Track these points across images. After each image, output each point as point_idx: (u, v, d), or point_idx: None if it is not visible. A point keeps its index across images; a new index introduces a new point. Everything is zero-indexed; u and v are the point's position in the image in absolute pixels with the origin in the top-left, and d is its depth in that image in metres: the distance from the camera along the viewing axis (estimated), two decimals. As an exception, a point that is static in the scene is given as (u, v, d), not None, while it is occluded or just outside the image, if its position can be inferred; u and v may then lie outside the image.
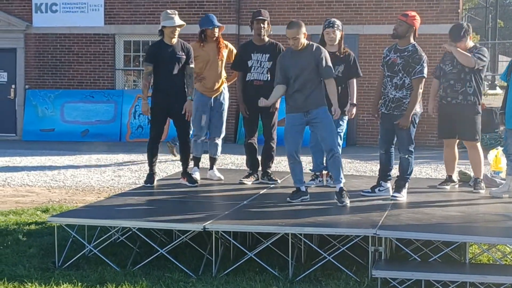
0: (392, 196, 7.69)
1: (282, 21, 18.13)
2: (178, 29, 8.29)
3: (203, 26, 8.81)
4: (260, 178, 8.67)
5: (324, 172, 8.55)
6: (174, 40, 8.30)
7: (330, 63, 7.50)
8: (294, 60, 7.49)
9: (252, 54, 8.44)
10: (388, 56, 7.79)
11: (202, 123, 8.85)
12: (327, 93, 7.56)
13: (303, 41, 7.45)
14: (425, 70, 7.62)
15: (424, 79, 7.62)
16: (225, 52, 8.86)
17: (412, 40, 7.70)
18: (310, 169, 8.69)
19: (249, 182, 8.56)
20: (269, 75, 8.38)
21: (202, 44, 8.77)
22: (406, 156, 7.75)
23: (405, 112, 7.63)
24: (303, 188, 7.51)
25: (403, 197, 7.69)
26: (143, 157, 14.06)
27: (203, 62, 8.70)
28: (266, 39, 8.51)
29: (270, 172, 8.69)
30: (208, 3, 18.59)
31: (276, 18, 18.22)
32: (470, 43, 8.31)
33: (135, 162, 14.07)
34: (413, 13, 7.75)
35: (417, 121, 7.81)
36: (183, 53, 8.31)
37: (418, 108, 7.76)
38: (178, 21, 8.28)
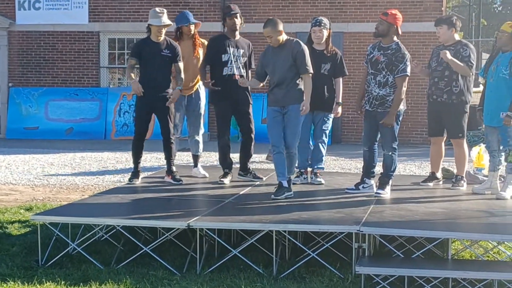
0: (376, 193, 7.73)
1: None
2: (164, 28, 8.29)
3: (179, 23, 8.79)
4: (242, 174, 8.63)
5: (309, 169, 8.58)
6: (161, 38, 8.30)
7: (307, 59, 7.61)
8: (273, 57, 7.68)
9: (228, 48, 8.38)
10: (372, 54, 7.82)
11: (176, 121, 8.84)
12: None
13: (281, 37, 7.59)
14: (409, 69, 7.65)
15: (407, 77, 7.66)
16: (201, 50, 8.82)
17: (395, 38, 7.73)
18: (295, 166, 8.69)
19: (228, 181, 8.49)
20: (244, 70, 8.48)
21: (177, 42, 8.75)
22: (390, 153, 7.79)
23: (388, 109, 7.66)
24: (285, 184, 7.54)
25: (386, 193, 7.73)
26: (128, 155, 14.04)
27: None
28: (238, 36, 8.52)
29: (251, 169, 8.66)
30: (193, 1, 18.55)
31: (261, 16, 18.24)
32: (455, 37, 8.34)
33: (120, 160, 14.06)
34: (394, 11, 7.78)
35: (400, 119, 7.85)
36: (168, 51, 8.30)
37: (401, 106, 7.79)
38: (165, 20, 8.25)
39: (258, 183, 8.49)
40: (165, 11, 8.35)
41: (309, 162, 8.55)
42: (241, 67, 8.45)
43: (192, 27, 8.78)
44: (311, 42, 8.29)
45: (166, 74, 8.36)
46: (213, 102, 8.58)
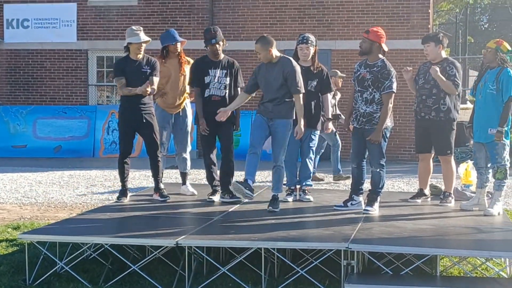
0: (364, 210, 7.74)
1: (256, 36, 18.08)
2: (143, 45, 8.30)
3: (165, 42, 8.78)
4: (220, 196, 8.45)
5: (298, 186, 8.59)
6: (140, 56, 8.31)
7: (299, 79, 7.71)
8: (266, 73, 7.82)
9: (210, 70, 8.35)
10: (359, 71, 7.87)
11: (163, 139, 8.85)
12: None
13: (272, 55, 7.73)
14: (394, 85, 7.70)
15: (393, 94, 7.70)
16: (187, 68, 8.82)
17: (380, 56, 7.78)
18: (284, 184, 8.69)
19: (216, 198, 8.44)
20: (226, 91, 8.38)
21: (163, 60, 8.77)
22: (378, 170, 7.82)
23: (376, 126, 7.70)
24: (250, 182, 7.70)
25: (375, 210, 7.74)
26: (116, 173, 14.01)
27: (165, 78, 8.67)
28: (222, 55, 8.48)
29: (232, 189, 8.32)
30: (181, 19, 18.63)
31: (249, 33, 18.35)
32: (442, 54, 8.40)
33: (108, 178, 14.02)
34: (376, 29, 7.84)
35: (388, 135, 7.88)
36: (148, 67, 8.32)
37: (389, 123, 7.83)
38: (143, 37, 8.26)
39: (238, 205, 8.17)
40: (141, 28, 8.32)
41: (298, 179, 8.57)
42: (222, 88, 8.38)
43: (178, 45, 8.80)
44: (297, 58, 8.34)
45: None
46: (197, 123, 8.56)
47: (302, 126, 7.76)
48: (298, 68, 7.76)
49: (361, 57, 7.99)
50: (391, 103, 7.69)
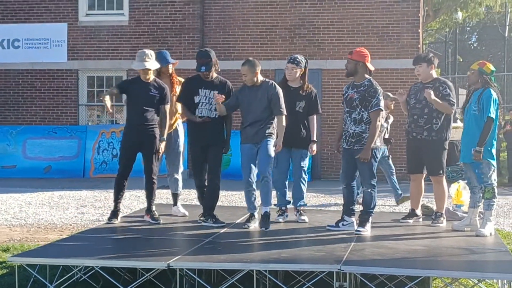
0: (356, 230, 7.73)
1: (246, 56, 18.19)
2: (149, 71, 8.30)
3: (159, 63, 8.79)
4: (203, 219, 8.25)
5: (292, 207, 8.57)
6: (150, 78, 8.33)
7: (282, 101, 7.98)
8: (249, 96, 8.00)
9: (200, 90, 8.23)
10: (347, 93, 7.92)
11: None
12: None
13: (257, 78, 7.97)
14: (382, 103, 7.74)
15: (381, 112, 7.74)
16: (178, 88, 8.80)
17: (367, 75, 7.83)
18: (274, 204, 8.68)
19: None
20: (217, 112, 8.22)
21: None
22: (369, 190, 7.82)
23: (365, 146, 7.70)
24: (255, 214, 8.07)
25: (367, 231, 7.73)
26: (107, 193, 13.96)
27: None
28: (215, 75, 8.34)
29: (215, 214, 8.25)
30: (172, 38, 18.65)
31: (240, 53, 18.37)
32: (433, 74, 8.45)
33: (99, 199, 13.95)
34: (359, 49, 7.93)
35: (378, 156, 7.88)
36: (156, 92, 8.32)
37: (378, 143, 7.85)
38: (145, 64, 8.21)
39: (222, 230, 7.98)
40: (148, 54, 8.24)
41: (289, 199, 8.55)
42: (213, 110, 8.22)
43: (170, 66, 8.80)
44: (286, 79, 8.38)
45: (153, 114, 8.34)
46: (188, 143, 8.52)
47: (281, 143, 7.97)
48: (281, 92, 8.02)
49: (349, 78, 8.04)
50: (379, 121, 7.72)
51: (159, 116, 8.40)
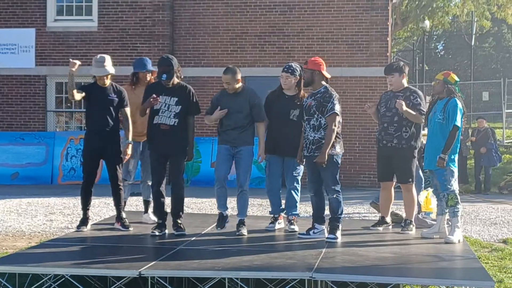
0: (327, 238, 7.76)
1: (216, 63, 18.32)
2: (107, 76, 8.25)
3: (136, 69, 8.78)
4: (173, 229, 8.14)
5: (284, 215, 8.58)
6: (107, 83, 8.29)
7: (263, 108, 8.20)
8: (229, 102, 8.12)
9: (160, 96, 8.06)
10: (306, 102, 7.99)
11: (130, 168, 8.80)
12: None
13: (237, 86, 8.12)
14: (337, 107, 7.80)
15: (337, 116, 7.79)
16: None
17: (323, 83, 7.92)
18: (269, 211, 8.74)
19: (161, 232, 8.11)
20: (177, 120, 8.08)
21: (133, 87, 8.74)
22: (334, 196, 7.85)
23: (321, 150, 7.74)
24: (225, 214, 8.30)
25: (337, 238, 7.77)
26: (76, 200, 13.84)
27: (134, 106, 8.60)
28: (176, 81, 8.16)
29: (180, 222, 8.19)
30: (141, 45, 18.59)
31: (210, 60, 18.40)
32: (404, 83, 8.54)
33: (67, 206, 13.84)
34: (314, 58, 8.05)
35: (339, 162, 7.92)
36: (115, 95, 8.28)
37: (338, 149, 7.88)
38: (107, 69, 8.19)
39: (193, 238, 7.98)
40: (105, 58, 8.20)
41: (282, 207, 8.57)
42: (172, 117, 8.08)
43: (149, 74, 8.75)
44: (281, 86, 8.41)
45: (114, 119, 8.32)
46: (148, 149, 8.41)
47: (263, 151, 8.26)
48: (261, 99, 8.25)
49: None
50: (335, 126, 7.78)
51: (119, 120, 8.35)
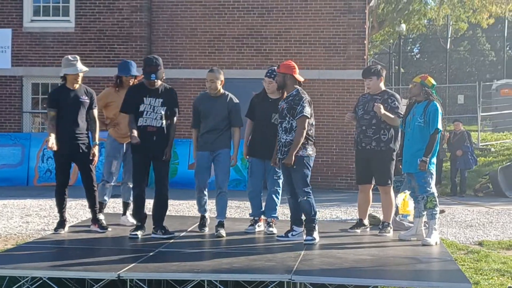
0: (305, 240, 7.79)
1: (194, 65, 18.31)
2: (81, 74, 8.22)
3: (120, 73, 8.72)
4: (152, 232, 8.10)
5: (263, 217, 8.58)
6: (77, 85, 8.24)
7: (240, 113, 8.36)
8: (209, 104, 8.25)
9: (145, 98, 7.99)
10: (280, 105, 8.03)
11: (112, 169, 8.77)
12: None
13: (220, 87, 8.26)
14: (306, 110, 7.81)
15: (307, 119, 7.80)
16: None
17: (296, 86, 7.96)
18: (249, 214, 8.77)
19: (140, 234, 8.08)
20: (163, 121, 8.05)
21: (117, 89, 8.72)
22: (305, 198, 7.87)
23: (298, 155, 7.77)
24: (206, 215, 8.55)
25: (315, 239, 7.80)
26: (52, 202, 13.74)
27: (117, 108, 8.60)
28: (159, 82, 8.10)
29: (165, 225, 8.15)
30: (119, 46, 18.52)
31: (188, 62, 18.37)
32: (382, 86, 8.60)
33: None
34: (286, 62, 8.09)
35: (311, 164, 7.93)
36: (86, 97, 8.26)
37: (310, 151, 7.90)
38: (80, 67, 8.19)
39: (172, 240, 7.96)
40: (77, 58, 8.24)
41: (263, 209, 8.59)
42: (158, 118, 8.03)
43: (132, 79, 8.71)
44: (265, 90, 8.46)
45: (84, 121, 8.30)
46: (132, 151, 8.33)
47: (236, 156, 8.41)
48: (239, 104, 8.41)
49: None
50: (304, 128, 7.80)
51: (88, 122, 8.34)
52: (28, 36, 18.89)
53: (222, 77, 8.27)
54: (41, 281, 6.77)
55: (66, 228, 8.39)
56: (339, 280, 6.43)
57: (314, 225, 7.90)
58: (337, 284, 6.85)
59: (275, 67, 8.41)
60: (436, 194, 8.15)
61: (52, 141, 8.16)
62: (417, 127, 8.08)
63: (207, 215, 8.58)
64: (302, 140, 7.78)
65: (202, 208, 8.50)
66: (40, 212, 13.16)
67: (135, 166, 8.23)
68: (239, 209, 13.31)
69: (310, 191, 7.91)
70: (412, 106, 8.24)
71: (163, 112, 8.06)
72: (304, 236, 7.90)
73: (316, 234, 7.87)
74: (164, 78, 8.32)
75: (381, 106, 8.30)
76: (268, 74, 8.40)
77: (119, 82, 8.74)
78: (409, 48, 59.74)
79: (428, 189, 8.03)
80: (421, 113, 8.07)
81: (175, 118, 8.24)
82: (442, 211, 13.37)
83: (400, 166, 8.42)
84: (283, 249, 7.44)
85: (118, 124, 8.66)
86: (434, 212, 8.06)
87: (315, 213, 7.94)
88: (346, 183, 17.85)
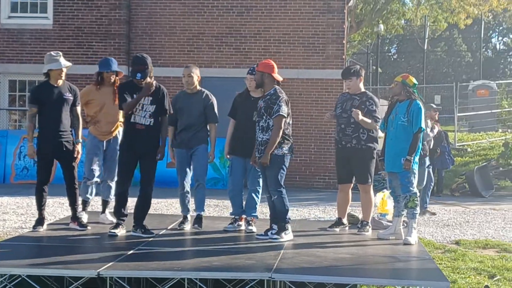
0: (274, 239, 7.81)
1: (173, 63, 18.27)
2: (65, 70, 8.18)
3: (101, 69, 8.69)
4: (132, 230, 8.05)
5: (244, 216, 8.58)
6: (61, 82, 8.19)
7: (216, 110, 8.51)
8: (185, 101, 8.42)
9: (134, 95, 7.92)
10: (258, 104, 8.03)
11: (93, 166, 8.74)
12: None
13: (196, 83, 8.46)
14: (283, 109, 7.80)
15: (283, 118, 7.80)
16: None
17: (274, 85, 7.96)
18: (230, 213, 8.75)
19: (119, 232, 8.02)
20: (152, 120, 7.98)
21: (98, 87, 8.68)
22: (276, 197, 7.87)
23: (274, 153, 7.78)
24: (188, 217, 8.63)
25: (282, 239, 7.78)
26: (29, 199, 13.67)
27: (98, 106, 8.56)
28: (148, 80, 7.97)
29: (145, 224, 8.09)
30: (97, 44, 18.43)
31: (167, 60, 18.32)
32: (361, 86, 8.64)
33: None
34: (265, 61, 8.09)
35: (286, 163, 7.91)
36: (70, 95, 8.21)
37: (286, 150, 7.89)
38: (64, 62, 8.15)
39: (151, 238, 7.92)
40: (60, 53, 8.21)
41: (243, 209, 8.58)
42: (147, 117, 7.96)
43: (113, 75, 8.66)
44: (248, 88, 8.48)
45: (68, 118, 8.25)
46: (120, 148, 8.26)
47: (213, 153, 8.62)
48: (215, 101, 8.55)
49: (256, 89, 8.28)
50: (281, 128, 7.79)
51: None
52: (5, 32, 18.73)
53: (198, 73, 8.51)
54: (20, 278, 6.74)
55: (45, 226, 8.34)
56: (319, 279, 6.46)
57: (284, 224, 7.89)
58: (317, 283, 6.89)
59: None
60: (418, 194, 8.20)
61: (32, 150, 8.18)
62: (401, 126, 8.12)
63: (189, 216, 8.65)
64: (278, 139, 7.78)
65: (185, 208, 8.62)
66: (17, 210, 13.07)
67: (121, 165, 8.12)
68: (218, 208, 13.31)
69: (283, 191, 7.89)
70: (394, 106, 8.29)
71: (152, 110, 7.97)
72: (274, 235, 7.89)
73: (286, 234, 7.85)
74: (152, 77, 8.09)
75: (359, 112, 8.34)
76: (250, 71, 8.43)
77: (100, 79, 8.70)
78: (386, 48, 60.05)
79: (411, 188, 8.08)
80: (404, 112, 8.11)
81: (165, 117, 8.14)
82: (433, 213, 13.52)
83: (383, 166, 8.44)
84: (263, 248, 7.45)
85: (98, 121, 8.66)
86: (415, 212, 8.11)
87: (286, 212, 7.90)
88: (324, 182, 17.91)
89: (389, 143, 8.27)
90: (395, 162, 8.15)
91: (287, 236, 7.87)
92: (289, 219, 7.98)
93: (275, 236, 7.83)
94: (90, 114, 8.71)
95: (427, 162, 12.86)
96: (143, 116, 7.98)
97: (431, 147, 13.23)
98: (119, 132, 8.81)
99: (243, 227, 8.55)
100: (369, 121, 8.39)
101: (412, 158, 8.02)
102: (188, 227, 8.53)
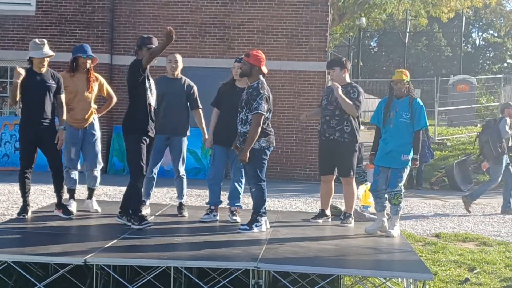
0: (240, 228, 7.82)
1: (156, 52, 18.19)
2: (47, 59, 8.18)
3: (76, 53, 8.61)
4: (118, 216, 8.06)
5: (220, 206, 8.60)
6: (44, 69, 8.20)
7: (197, 95, 8.70)
8: (167, 87, 8.53)
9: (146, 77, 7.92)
10: (242, 95, 7.99)
11: (72, 156, 8.72)
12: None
13: (179, 71, 8.71)
14: (262, 107, 7.73)
15: (262, 116, 7.73)
16: (95, 86, 8.72)
17: (259, 78, 7.89)
18: (206, 203, 8.76)
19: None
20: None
21: (72, 74, 8.64)
22: (254, 190, 7.91)
23: (252, 148, 7.79)
24: (147, 202, 8.76)
25: (252, 230, 7.76)
26: (11, 186, 13.63)
27: (72, 93, 8.51)
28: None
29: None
30: (80, 32, 18.35)
31: (150, 49, 18.24)
32: (346, 78, 8.69)
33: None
34: (256, 52, 7.96)
35: (264, 157, 7.89)
36: (53, 82, 8.21)
37: (264, 143, 7.84)
38: (47, 51, 8.15)
39: (138, 227, 7.78)
40: (45, 41, 8.21)
41: (221, 199, 8.60)
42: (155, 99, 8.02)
43: (89, 61, 8.66)
44: (234, 79, 8.48)
45: (51, 106, 8.24)
46: (153, 133, 8.02)
47: (207, 136, 8.64)
48: (196, 88, 8.75)
49: (241, 79, 8.20)
50: (259, 125, 7.71)
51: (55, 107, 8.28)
52: (-13, 18, 18.59)
53: (181, 61, 8.74)
54: (6, 264, 6.75)
55: (29, 213, 8.35)
56: (304, 269, 6.55)
57: (257, 217, 7.86)
58: (301, 273, 6.98)
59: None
60: (403, 191, 8.29)
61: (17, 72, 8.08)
62: (402, 123, 8.13)
63: (148, 202, 8.80)
64: (257, 136, 7.73)
65: (146, 193, 8.71)
66: (-2, 196, 13.03)
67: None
68: (199, 198, 13.34)
69: (262, 184, 7.88)
70: (391, 103, 8.27)
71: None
72: (268, 225, 7.95)
73: (256, 227, 7.80)
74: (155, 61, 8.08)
75: (339, 86, 8.40)
76: (238, 60, 8.42)
77: (75, 65, 8.66)
78: (367, 41, 60.22)
79: (400, 185, 8.17)
80: (407, 109, 8.13)
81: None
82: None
83: (372, 160, 8.47)
84: (248, 238, 7.50)
85: (72, 109, 8.57)
86: (398, 209, 8.19)
87: (262, 204, 7.89)
88: (305, 174, 18.02)
89: (388, 139, 8.24)
90: (394, 158, 8.16)
91: (258, 229, 7.80)
92: (265, 212, 7.95)
93: (245, 227, 7.80)
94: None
95: (507, 160, 12.91)
96: (153, 98, 7.96)
97: (509, 144, 13.27)
98: (94, 119, 8.79)
99: (217, 218, 8.51)
100: (348, 101, 8.41)
101: (418, 156, 8.18)
102: (145, 211, 8.43)
